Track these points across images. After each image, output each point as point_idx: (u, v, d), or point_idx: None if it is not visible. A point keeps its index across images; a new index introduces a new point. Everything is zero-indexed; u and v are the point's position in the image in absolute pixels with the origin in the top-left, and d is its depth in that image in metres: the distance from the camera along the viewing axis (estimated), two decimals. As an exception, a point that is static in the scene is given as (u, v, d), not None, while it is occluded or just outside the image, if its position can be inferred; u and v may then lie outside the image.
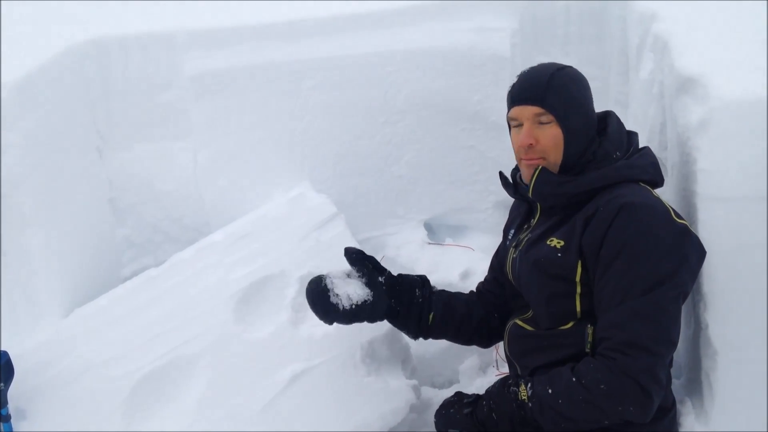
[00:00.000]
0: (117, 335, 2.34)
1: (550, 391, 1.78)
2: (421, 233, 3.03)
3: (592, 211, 1.84)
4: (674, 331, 1.75)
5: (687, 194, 2.01)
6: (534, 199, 2.02)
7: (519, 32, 3.01)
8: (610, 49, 3.15)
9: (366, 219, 2.99)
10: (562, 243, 1.90)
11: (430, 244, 3.00)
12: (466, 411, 1.99)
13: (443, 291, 2.29)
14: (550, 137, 1.92)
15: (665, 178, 2.15)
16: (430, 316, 2.18)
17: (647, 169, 1.94)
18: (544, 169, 1.93)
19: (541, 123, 1.93)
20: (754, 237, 1.87)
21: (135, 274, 2.61)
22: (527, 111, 1.94)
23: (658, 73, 2.37)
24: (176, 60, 2.92)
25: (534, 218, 2.09)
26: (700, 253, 1.84)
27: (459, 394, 2.11)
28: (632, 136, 2.05)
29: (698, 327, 2.00)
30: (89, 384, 2.24)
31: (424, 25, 2.93)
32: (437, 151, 3.01)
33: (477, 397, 2.03)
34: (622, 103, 3.04)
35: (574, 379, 1.74)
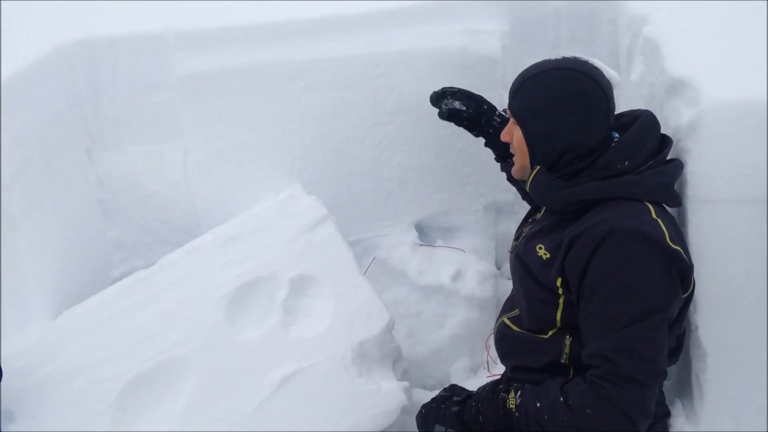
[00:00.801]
0: (106, 337, 2.32)
1: (537, 405, 1.78)
2: (412, 235, 3.02)
3: (579, 232, 1.78)
4: (662, 360, 1.73)
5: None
6: (532, 196, 2.01)
7: (509, 34, 3.01)
8: (600, 51, 3.15)
9: (357, 221, 2.98)
10: (548, 256, 1.88)
11: (421, 245, 2.99)
12: (454, 409, 1.97)
13: None
14: (517, 139, 1.97)
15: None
16: None
17: (655, 190, 1.84)
18: (541, 170, 1.91)
19: (516, 123, 1.98)
20: (745, 239, 1.87)
21: (124, 275, 2.59)
22: (509, 110, 2.00)
23: (648, 76, 2.38)
24: (166, 61, 2.90)
25: (540, 213, 2.10)
26: (687, 282, 1.81)
27: (453, 388, 2.09)
28: (664, 143, 1.93)
29: (688, 328, 2.01)
30: (78, 386, 2.23)
31: (414, 27, 2.93)
32: (428, 153, 3.01)
33: (467, 396, 2.02)
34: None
35: (561, 399, 1.73)
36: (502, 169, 2.55)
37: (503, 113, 2.45)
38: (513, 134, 1.99)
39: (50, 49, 2.77)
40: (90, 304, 2.43)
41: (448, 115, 2.48)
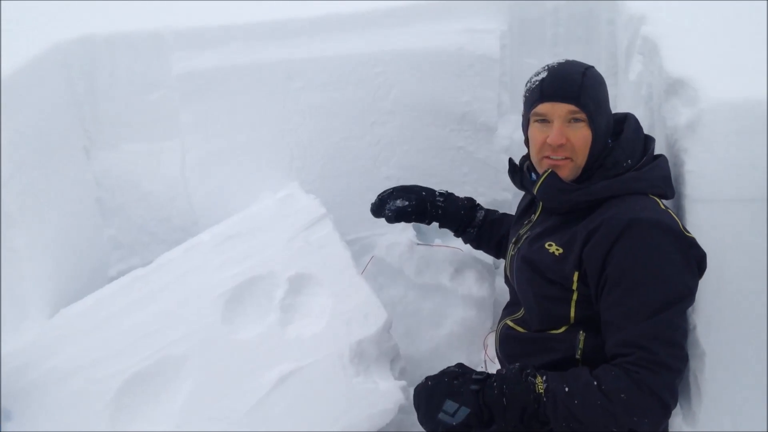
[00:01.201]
0: (103, 336, 2.32)
1: (566, 389, 1.75)
2: (410, 234, 3.02)
3: (596, 224, 1.82)
4: (686, 345, 1.76)
5: (675, 196, 2.02)
6: (538, 199, 2.02)
7: (508, 34, 3.01)
8: (598, 51, 3.16)
9: (354, 220, 2.98)
10: (561, 251, 1.90)
11: (418, 245, 2.99)
12: (473, 387, 1.85)
13: (488, 215, 2.56)
14: (581, 137, 1.91)
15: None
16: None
17: (656, 182, 1.91)
18: (553, 173, 1.93)
19: (574, 121, 1.90)
20: (742, 239, 1.88)
21: (122, 274, 2.58)
22: (561, 108, 1.90)
23: (647, 75, 2.38)
24: (164, 59, 2.90)
25: (535, 214, 2.10)
26: (703, 267, 1.84)
27: (462, 367, 1.97)
28: (648, 141, 2.01)
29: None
30: (76, 384, 2.22)
31: (412, 26, 2.93)
32: (426, 152, 3.01)
33: (487, 376, 1.90)
34: (610, 105, 3.05)
35: (594, 383, 1.72)
36: (466, 242, 2.64)
37: (443, 192, 2.59)
38: (568, 135, 1.91)
39: (48, 48, 2.76)
40: (87, 302, 2.42)
41: (395, 217, 2.54)
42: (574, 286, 1.87)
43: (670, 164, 2.03)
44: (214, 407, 2.21)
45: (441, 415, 1.83)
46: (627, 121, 2.01)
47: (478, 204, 2.61)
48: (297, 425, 2.19)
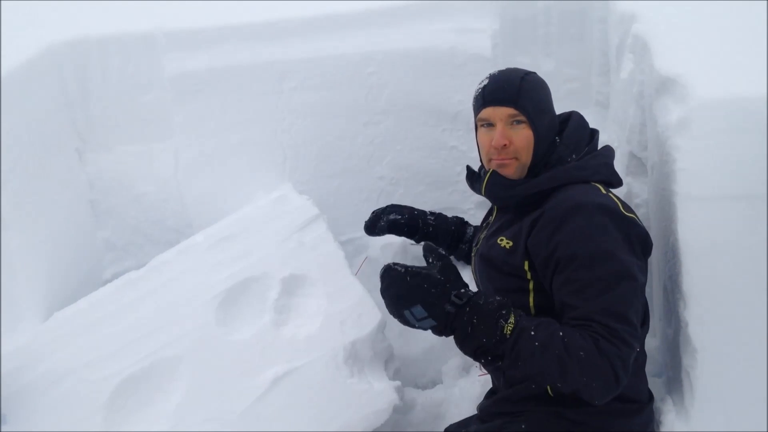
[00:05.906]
0: (97, 338, 2.32)
1: (532, 332, 1.76)
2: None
3: (538, 214, 1.91)
4: (638, 325, 1.81)
5: (666, 193, 2.03)
6: (487, 198, 2.12)
7: (500, 33, 3.01)
8: (590, 49, 3.17)
9: (348, 220, 2.98)
10: (511, 243, 1.98)
11: (412, 245, 2.99)
12: (449, 309, 1.83)
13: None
14: (523, 138, 2.00)
15: (646, 177, 2.16)
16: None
17: (599, 170, 2.00)
18: (494, 173, 2.03)
19: (515, 124, 2.00)
20: (734, 236, 1.88)
21: (116, 276, 2.59)
22: (501, 112, 2.01)
23: (638, 74, 2.39)
24: (156, 61, 2.90)
25: (492, 216, 2.20)
26: (647, 245, 1.90)
27: (446, 271, 1.89)
28: (594, 134, 2.11)
29: (678, 325, 2.01)
30: (70, 387, 2.23)
31: (405, 26, 2.93)
32: (419, 152, 3.01)
33: (467, 300, 1.83)
34: (602, 104, 3.06)
35: (560, 334, 1.74)
36: (459, 258, 2.68)
37: (433, 212, 2.69)
38: (510, 136, 2.00)
39: (40, 50, 2.76)
40: (81, 305, 2.42)
41: (388, 228, 2.63)
42: (528, 275, 1.94)
43: (662, 162, 2.05)
44: (208, 408, 2.21)
45: (407, 314, 1.85)
46: (571, 118, 2.11)
47: (467, 222, 2.71)
48: (291, 426, 2.19)
